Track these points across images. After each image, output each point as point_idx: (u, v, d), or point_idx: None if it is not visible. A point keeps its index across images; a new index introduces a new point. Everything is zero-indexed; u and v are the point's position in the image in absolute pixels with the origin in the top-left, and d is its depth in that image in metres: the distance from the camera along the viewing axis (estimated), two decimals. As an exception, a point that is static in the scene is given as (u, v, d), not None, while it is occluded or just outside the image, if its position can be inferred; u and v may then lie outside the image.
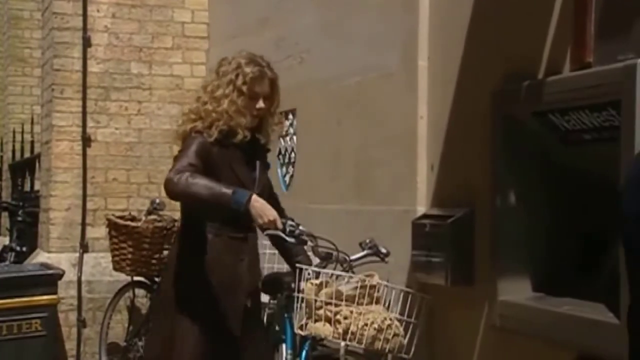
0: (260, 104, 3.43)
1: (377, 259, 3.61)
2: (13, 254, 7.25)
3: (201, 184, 3.18)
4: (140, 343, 5.22)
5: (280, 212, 3.50)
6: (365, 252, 3.62)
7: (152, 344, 3.79)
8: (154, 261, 5.07)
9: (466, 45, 3.45)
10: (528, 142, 3.07)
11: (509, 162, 3.12)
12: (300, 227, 3.52)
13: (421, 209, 3.74)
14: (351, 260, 3.56)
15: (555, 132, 2.92)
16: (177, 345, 3.36)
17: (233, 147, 3.40)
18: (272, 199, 3.55)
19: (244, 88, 3.39)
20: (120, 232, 5.13)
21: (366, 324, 3.21)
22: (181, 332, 3.37)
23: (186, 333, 3.36)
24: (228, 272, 3.42)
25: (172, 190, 3.23)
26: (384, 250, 3.61)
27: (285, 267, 3.86)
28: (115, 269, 5.25)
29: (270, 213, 3.16)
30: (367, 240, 3.63)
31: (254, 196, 3.16)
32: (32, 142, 8.15)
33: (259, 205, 3.15)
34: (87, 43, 5.98)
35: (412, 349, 3.34)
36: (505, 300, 3.08)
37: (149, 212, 5.20)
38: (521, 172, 3.10)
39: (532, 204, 3.09)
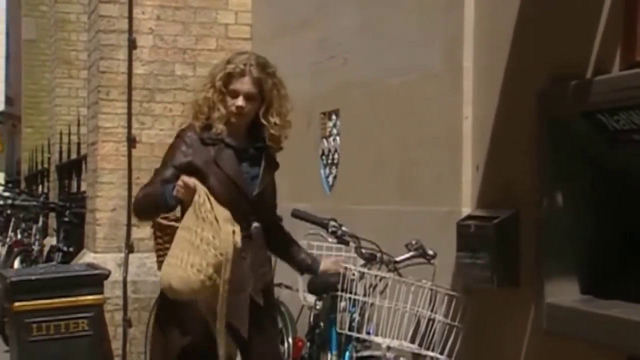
0: (239, 102, 3.31)
1: (423, 260, 3.59)
2: (60, 254, 7.35)
3: (143, 194, 3.44)
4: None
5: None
6: (411, 254, 3.59)
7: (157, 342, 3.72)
8: (198, 262, 5.10)
9: (512, 46, 3.41)
10: (575, 143, 3.03)
11: (555, 163, 3.07)
12: (343, 228, 3.52)
13: (466, 210, 3.70)
14: (397, 262, 3.54)
15: (604, 132, 2.88)
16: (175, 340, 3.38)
17: (222, 145, 3.33)
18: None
19: (219, 84, 3.34)
20: (164, 232, 5.12)
21: None
22: (180, 329, 3.38)
23: (185, 330, 3.36)
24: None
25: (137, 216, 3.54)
26: (430, 252, 3.57)
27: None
28: (159, 269, 5.28)
29: (186, 180, 3.19)
30: (414, 242, 3.59)
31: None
32: (79, 144, 8.24)
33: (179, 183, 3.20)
34: (132, 45, 6.05)
35: (455, 353, 3.32)
36: (552, 302, 3.03)
37: (193, 213, 5.22)
38: (567, 173, 3.05)
39: (579, 204, 3.05)
